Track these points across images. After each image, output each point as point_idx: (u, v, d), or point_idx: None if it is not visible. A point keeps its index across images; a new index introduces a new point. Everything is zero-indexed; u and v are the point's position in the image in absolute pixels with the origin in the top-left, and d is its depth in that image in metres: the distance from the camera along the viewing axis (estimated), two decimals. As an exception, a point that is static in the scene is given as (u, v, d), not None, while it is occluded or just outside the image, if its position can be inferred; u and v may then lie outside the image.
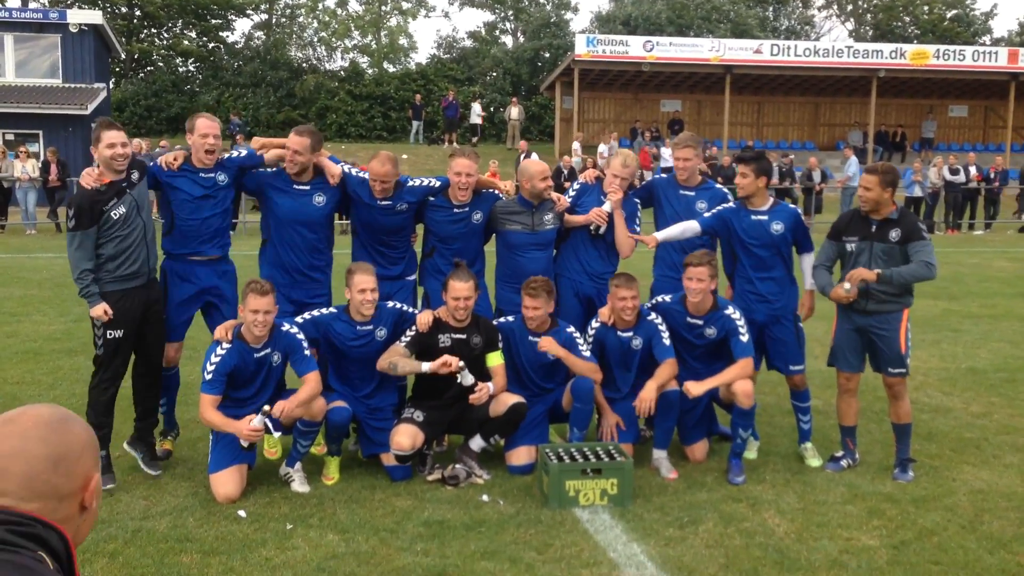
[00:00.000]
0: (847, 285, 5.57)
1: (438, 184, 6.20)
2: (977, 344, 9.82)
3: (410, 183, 6.16)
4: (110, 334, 5.42)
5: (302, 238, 6.02)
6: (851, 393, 5.89)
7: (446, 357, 5.57)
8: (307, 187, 5.99)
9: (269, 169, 6.05)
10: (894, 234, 5.51)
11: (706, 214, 6.19)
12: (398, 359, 5.63)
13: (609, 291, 5.96)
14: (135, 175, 5.49)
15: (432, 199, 6.22)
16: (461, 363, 5.56)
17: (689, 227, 6.15)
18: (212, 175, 5.79)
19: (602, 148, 29.25)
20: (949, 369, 8.65)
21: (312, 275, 6.11)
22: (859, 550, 4.65)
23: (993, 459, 6.07)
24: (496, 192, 6.40)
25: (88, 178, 5.32)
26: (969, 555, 4.59)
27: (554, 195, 6.33)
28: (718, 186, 6.62)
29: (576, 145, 29.80)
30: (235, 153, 6.05)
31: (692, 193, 6.39)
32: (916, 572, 4.41)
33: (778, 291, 6.00)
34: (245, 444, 5.30)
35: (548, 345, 5.79)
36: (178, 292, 5.84)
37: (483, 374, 5.79)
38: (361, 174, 6.14)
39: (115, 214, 5.34)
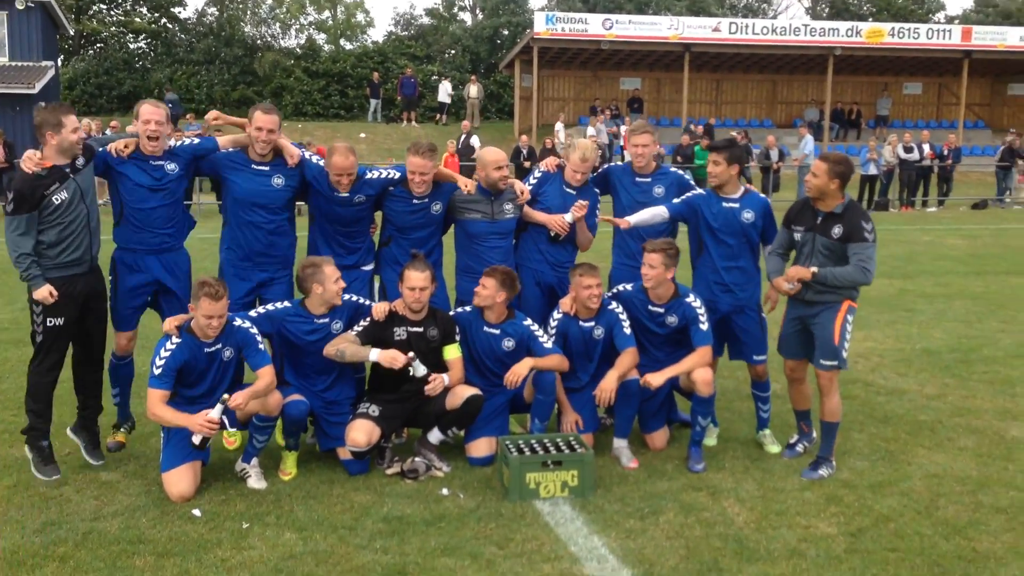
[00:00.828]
0: (786, 285, 5.57)
1: (397, 176, 6.10)
2: (931, 324, 9.95)
3: (368, 175, 6.05)
4: (50, 321, 5.28)
5: (263, 219, 5.90)
6: (798, 381, 5.88)
7: (394, 352, 5.50)
8: (267, 168, 5.87)
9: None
10: (836, 230, 5.39)
11: (675, 200, 6.15)
12: (346, 345, 5.54)
13: (572, 281, 5.91)
14: (80, 161, 5.34)
15: (391, 189, 6.12)
16: (411, 354, 5.50)
17: (658, 212, 6.12)
18: (162, 163, 5.65)
19: (558, 127, 29.11)
20: (904, 350, 8.74)
21: (274, 254, 5.99)
22: (817, 538, 4.68)
23: (947, 442, 6.14)
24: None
25: (29, 162, 5.17)
26: (925, 541, 4.63)
27: (517, 186, 6.25)
28: (673, 170, 6.62)
29: (559, 126, 29.54)
30: (187, 140, 5.90)
31: (648, 179, 6.36)
32: (873, 560, 4.44)
33: (744, 281, 5.97)
34: (197, 440, 5.14)
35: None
36: (127, 281, 5.71)
37: (440, 367, 5.72)
38: (319, 160, 6.02)
39: (57, 199, 5.19)
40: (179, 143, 5.83)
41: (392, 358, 5.47)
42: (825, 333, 5.50)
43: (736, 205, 5.90)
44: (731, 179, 5.90)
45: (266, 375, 5.35)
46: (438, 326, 5.76)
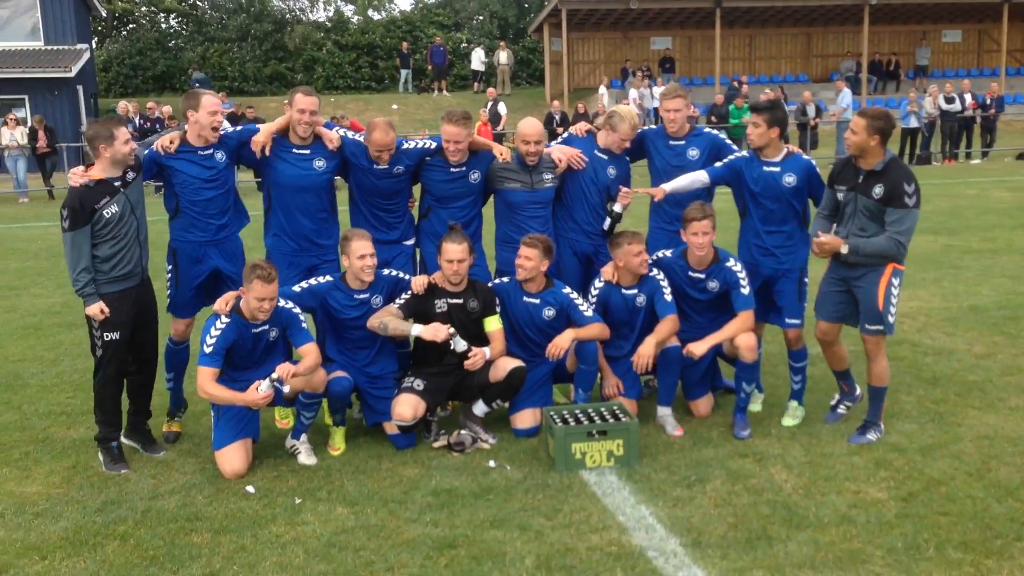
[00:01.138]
0: (816, 250, 5.47)
1: (434, 145, 6.10)
2: (978, 281, 9.79)
3: (405, 145, 6.06)
4: (107, 336, 5.38)
5: (306, 204, 5.94)
6: (829, 344, 5.72)
7: (436, 325, 5.54)
8: (307, 151, 5.89)
9: None
10: (878, 190, 5.23)
11: (716, 164, 6.06)
12: (389, 318, 5.58)
13: (618, 250, 5.83)
14: (130, 175, 5.41)
15: (428, 159, 6.13)
16: (451, 330, 5.54)
17: (697, 178, 6.03)
18: (211, 153, 5.68)
19: (602, 91, 28.64)
20: (951, 308, 8.63)
21: (319, 241, 6.03)
22: (867, 504, 4.66)
23: (998, 402, 6.07)
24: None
25: (76, 177, 5.26)
26: (977, 504, 4.60)
27: (556, 155, 6.23)
28: (707, 130, 6.52)
29: (603, 91, 29.20)
30: (231, 128, 5.93)
31: (683, 142, 6.27)
32: (925, 524, 4.42)
33: (786, 244, 5.86)
34: (255, 408, 5.31)
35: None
36: (188, 271, 5.76)
37: (481, 339, 5.76)
38: (356, 136, 6.04)
39: (108, 213, 5.26)
40: (225, 132, 5.82)
41: (434, 332, 5.51)
42: (869, 297, 5.36)
43: (777, 169, 5.77)
44: (771, 142, 5.77)
45: (310, 353, 5.41)
46: (478, 298, 5.79)
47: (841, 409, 5.87)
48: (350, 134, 6.07)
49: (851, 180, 5.40)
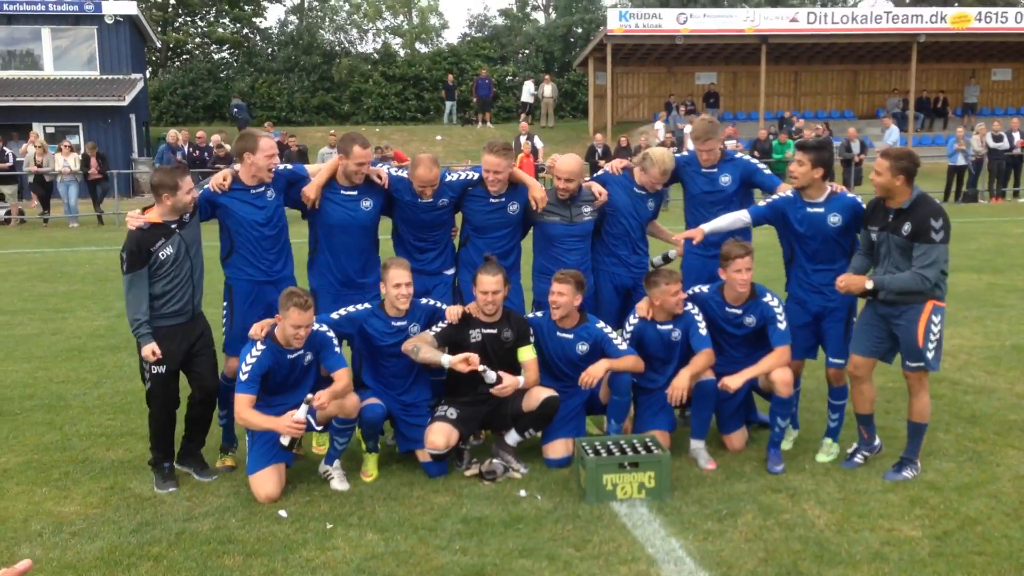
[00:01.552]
0: (840, 285, 5.42)
1: (476, 176, 6.19)
2: (1022, 320, 9.63)
3: (448, 177, 6.15)
4: (154, 369, 5.51)
5: (353, 244, 6.04)
6: (859, 380, 5.61)
7: (467, 355, 5.59)
8: (354, 192, 5.97)
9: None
10: (906, 227, 5.20)
11: (760, 202, 6.01)
12: (422, 344, 5.63)
13: (654, 288, 5.83)
14: (186, 216, 5.55)
15: (470, 189, 6.22)
16: (481, 367, 5.57)
17: (739, 218, 6.00)
18: (263, 191, 5.78)
19: (658, 126, 28.06)
20: (993, 347, 8.50)
21: (363, 279, 6.11)
22: (901, 541, 4.60)
23: (1039, 443, 5.96)
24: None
25: (133, 220, 5.42)
26: (1014, 545, 4.52)
27: (595, 188, 6.28)
28: (739, 155, 6.47)
29: (659, 125, 28.92)
30: (281, 166, 6.03)
31: (715, 169, 6.28)
32: (959, 564, 4.35)
33: (834, 282, 5.72)
34: (285, 442, 5.33)
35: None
36: (244, 311, 5.81)
37: (515, 368, 5.80)
38: (401, 172, 6.14)
39: (163, 255, 5.41)
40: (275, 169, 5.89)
41: (464, 359, 5.56)
42: (908, 335, 5.30)
43: (821, 210, 5.70)
44: (814, 182, 5.68)
45: (342, 376, 5.49)
46: (512, 328, 5.83)
47: (858, 458, 5.70)
48: (394, 170, 6.17)
49: (882, 220, 5.38)
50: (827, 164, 5.70)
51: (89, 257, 16.16)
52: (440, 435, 5.57)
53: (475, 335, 5.77)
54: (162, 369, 5.51)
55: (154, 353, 5.42)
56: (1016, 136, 24.32)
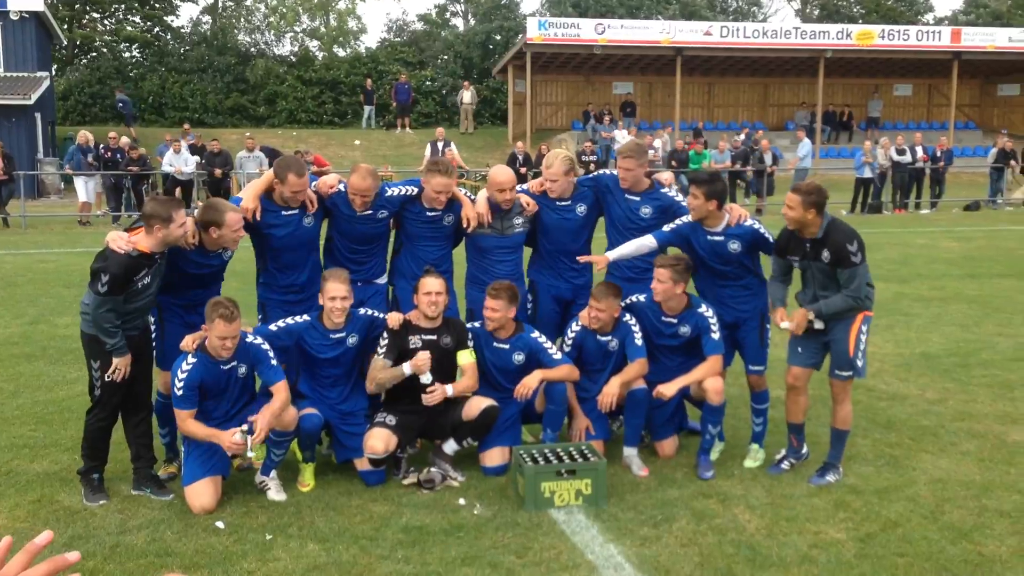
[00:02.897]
0: (783, 325, 5.66)
1: (416, 192, 6.22)
2: (929, 328, 10.08)
3: (388, 192, 6.17)
4: (108, 377, 5.39)
5: (300, 258, 6.06)
6: (797, 391, 5.81)
7: (418, 356, 5.65)
8: (294, 211, 5.96)
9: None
10: (825, 254, 5.44)
11: (665, 227, 6.09)
12: (382, 376, 5.71)
13: (596, 300, 5.95)
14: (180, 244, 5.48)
15: (411, 203, 6.26)
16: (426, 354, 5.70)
17: (644, 243, 6.09)
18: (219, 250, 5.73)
19: (657, 144, 27.48)
20: (903, 355, 8.88)
21: (313, 289, 6.08)
22: (827, 544, 4.80)
23: (951, 447, 6.27)
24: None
25: (119, 242, 5.25)
26: (933, 546, 4.76)
27: (523, 199, 6.36)
28: (664, 191, 6.41)
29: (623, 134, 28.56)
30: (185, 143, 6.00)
31: (637, 198, 6.33)
32: (883, 565, 4.57)
33: (745, 295, 6.04)
34: (230, 453, 5.36)
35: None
36: (176, 327, 5.71)
37: (454, 373, 5.87)
38: (340, 186, 6.13)
39: (141, 284, 5.32)
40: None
41: (416, 364, 5.65)
42: (840, 345, 5.55)
43: (721, 238, 5.89)
44: (710, 214, 5.84)
45: (280, 391, 5.46)
46: (451, 333, 5.90)
47: (785, 465, 5.89)
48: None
49: (800, 250, 5.59)
50: (720, 195, 5.83)
51: (-4, 261, 15.59)
52: (379, 440, 5.59)
53: (415, 341, 5.81)
54: (122, 378, 5.41)
55: (127, 367, 5.36)
56: (919, 150, 25.38)
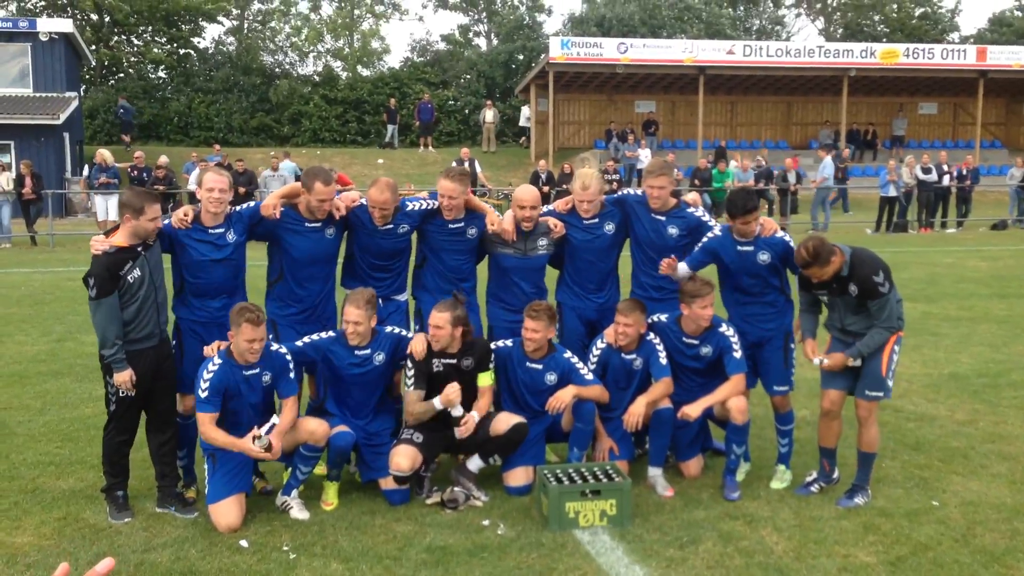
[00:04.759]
0: (815, 362, 5.66)
1: (435, 205, 6.23)
2: (958, 348, 9.97)
3: (409, 206, 6.20)
4: (122, 392, 5.40)
5: (319, 273, 6.06)
6: (831, 415, 5.75)
7: (448, 390, 5.65)
8: (318, 224, 5.97)
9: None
10: (852, 288, 5.43)
11: (695, 250, 6.09)
12: (418, 410, 5.73)
13: (622, 315, 5.95)
14: (151, 239, 5.48)
15: (432, 218, 6.28)
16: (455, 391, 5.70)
17: (681, 271, 6.05)
18: (222, 231, 5.72)
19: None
20: (932, 375, 8.78)
21: (326, 306, 6.14)
22: (857, 567, 4.73)
23: (981, 469, 6.17)
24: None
25: (97, 244, 5.31)
26: (964, 570, 4.68)
27: (551, 222, 6.35)
28: (690, 210, 6.37)
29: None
30: (243, 207, 6.00)
31: (663, 218, 6.29)
32: (914, 589, 4.49)
33: (771, 313, 6.01)
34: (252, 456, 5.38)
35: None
36: (195, 350, 5.68)
37: (475, 395, 5.87)
38: (361, 200, 6.17)
39: (131, 278, 5.32)
40: (236, 210, 5.86)
41: (450, 396, 5.66)
42: (872, 364, 5.51)
43: (751, 248, 5.87)
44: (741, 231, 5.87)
45: (290, 405, 5.50)
46: (473, 355, 5.87)
47: (815, 488, 5.82)
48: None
49: (826, 285, 5.57)
50: (742, 209, 5.80)
51: (24, 279, 15.74)
52: (405, 457, 5.58)
53: (437, 365, 5.80)
54: (131, 393, 5.41)
55: (132, 380, 5.33)
56: (944, 169, 25.19)
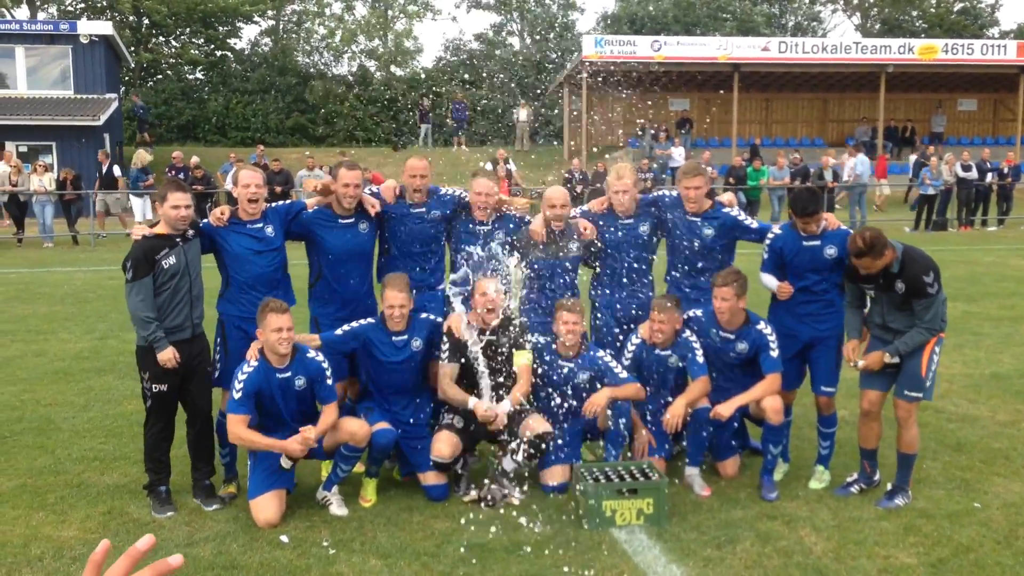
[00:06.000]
0: (854, 363, 5.64)
1: (467, 197, 6.34)
2: (999, 348, 9.83)
3: (442, 191, 6.33)
4: (155, 388, 5.53)
5: (356, 269, 6.16)
6: (871, 416, 5.71)
7: (493, 415, 5.69)
8: (351, 219, 6.09)
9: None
10: (899, 285, 5.38)
11: (764, 258, 6.03)
12: (451, 393, 5.78)
13: (657, 311, 5.95)
14: (190, 232, 5.63)
15: (462, 215, 6.35)
16: (503, 417, 5.74)
17: (768, 283, 6.04)
18: (260, 226, 5.86)
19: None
20: (973, 375, 8.67)
21: (366, 302, 6.22)
22: (897, 569, 4.69)
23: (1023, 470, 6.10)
24: (518, 214, 6.47)
25: (138, 230, 5.51)
26: (1007, 572, 4.63)
27: (581, 223, 6.37)
28: (725, 210, 6.36)
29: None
30: (278, 204, 6.13)
31: (698, 219, 6.29)
32: (955, 591, 4.45)
33: (827, 313, 5.90)
34: (287, 464, 5.41)
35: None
36: (239, 345, 5.77)
37: (510, 372, 5.90)
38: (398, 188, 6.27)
39: (166, 263, 5.45)
40: (272, 206, 6.00)
41: (485, 416, 5.67)
42: (912, 364, 5.46)
43: (818, 242, 5.81)
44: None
45: (330, 412, 5.56)
46: (509, 334, 5.92)
47: (854, 488, 5.78)
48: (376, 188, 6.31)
49: (874, 280, 5.52)
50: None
51: (66, 278, 16.00)
52: (447, 445, 5.66)
53: (476, 339, 5.86)
54: (163, 387, 5.53)
55: (176, 358, 5.45)
56: (986, 165, 24.81)
